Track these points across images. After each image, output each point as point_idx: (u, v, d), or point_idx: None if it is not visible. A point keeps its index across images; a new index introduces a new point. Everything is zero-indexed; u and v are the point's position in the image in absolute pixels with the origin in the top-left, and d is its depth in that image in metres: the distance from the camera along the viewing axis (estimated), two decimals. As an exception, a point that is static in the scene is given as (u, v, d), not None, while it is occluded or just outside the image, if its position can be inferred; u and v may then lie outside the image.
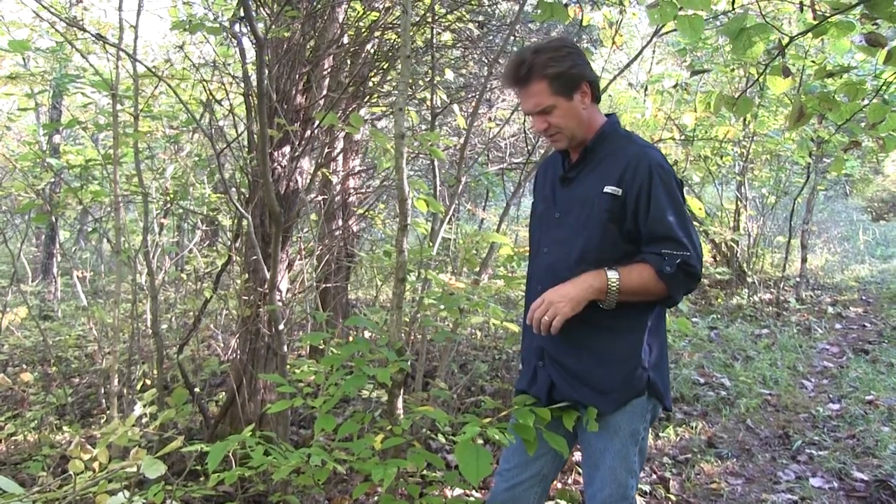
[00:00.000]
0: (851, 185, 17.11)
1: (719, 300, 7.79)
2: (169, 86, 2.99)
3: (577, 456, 3.40)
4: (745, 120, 7.24)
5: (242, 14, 2.78)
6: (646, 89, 7.09)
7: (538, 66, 1.80)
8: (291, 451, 1.85)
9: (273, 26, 2.96)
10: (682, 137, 6.56)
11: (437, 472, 2.91)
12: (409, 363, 2.11)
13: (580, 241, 1.85)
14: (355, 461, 1.88)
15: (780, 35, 2.39)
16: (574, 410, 1.87)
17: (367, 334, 4.77)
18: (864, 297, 8.29)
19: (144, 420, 3.15)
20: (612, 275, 1.76)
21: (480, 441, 3.50)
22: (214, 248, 5.91)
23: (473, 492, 3.06)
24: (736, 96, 2.59)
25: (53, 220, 4.25)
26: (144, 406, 2.80)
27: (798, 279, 8.34)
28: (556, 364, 1.89)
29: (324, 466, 1.79)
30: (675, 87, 6.38)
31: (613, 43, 4.27)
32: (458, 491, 3.06)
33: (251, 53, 3.00)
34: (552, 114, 1.84)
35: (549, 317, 1.76)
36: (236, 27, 3.38)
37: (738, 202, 8.51)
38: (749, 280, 7.99)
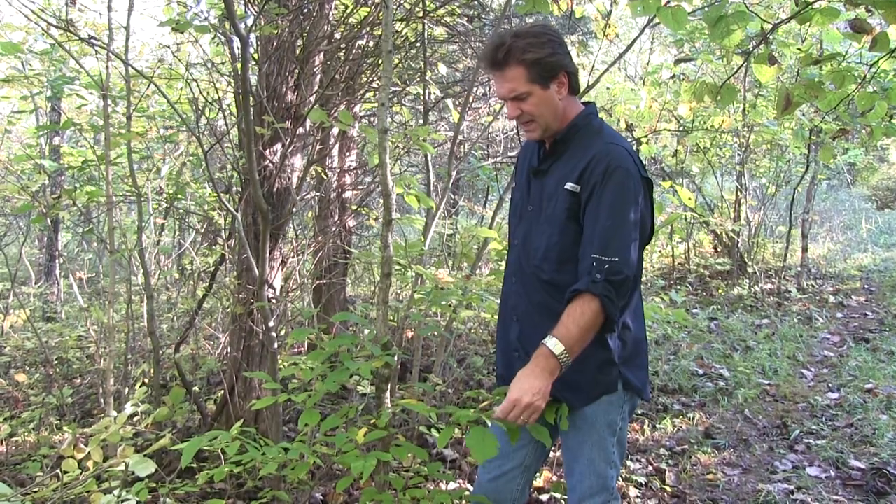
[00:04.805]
0: (855, 174, 17.02)
1: (720, 291, 7.77)
2: (157, 87, 3.00)
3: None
4: (744, 109, 7.21)
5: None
6: (644, 81, 7.06)
7: (516, 50, 1.74)
8: (270, 445, 1.86)
9: (259, 22, 2.96)
10: (680, 128, 6.54)
11: (425, 467, 2.92)
12: (395, 358, 2.11)
13: (543, 239, 1.84)
14: (336, 455, 1.89)
15: (763, 22, 2.39)
16: (555, 402, 1.88)
17: (366, 331, 4.77)
18: (866, 286, 8.26)
19: (137, 418, 3.18)
20: (554, 344, 1.68)
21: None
22: (213, 247, 5.92)
23: (466, 483, 3.08)
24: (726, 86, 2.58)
25: (50, 221, 4.28)
26: (137, 404, 2.82)
27: (799, 269, 8.32)
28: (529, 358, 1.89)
29: (303, 460, 1.80)
30: (672, 78, 6.36)
31: (605, 35, 4.25)
32: (452, 485, 3.07)
33: (241, 52, 3.01)
34: (526, 101, 1.79)
35: (526, 417, 1.68)
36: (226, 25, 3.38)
37: (739, 192, 8.48)
38: (750, 270, 7.96)
